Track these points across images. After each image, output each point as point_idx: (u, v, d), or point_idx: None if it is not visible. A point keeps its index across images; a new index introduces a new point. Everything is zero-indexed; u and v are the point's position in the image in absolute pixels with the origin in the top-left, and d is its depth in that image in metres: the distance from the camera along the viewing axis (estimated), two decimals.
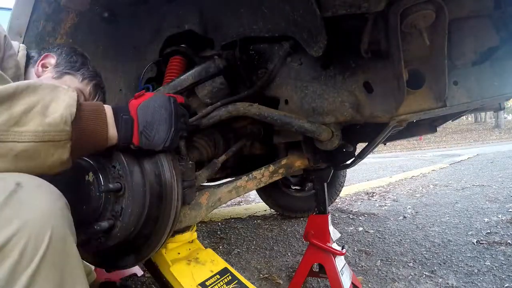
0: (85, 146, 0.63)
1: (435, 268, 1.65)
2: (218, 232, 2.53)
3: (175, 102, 0.75)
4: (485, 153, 8.35)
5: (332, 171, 1.51)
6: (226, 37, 1.21)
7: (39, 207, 0.48)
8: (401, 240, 2.12)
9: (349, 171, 5.47)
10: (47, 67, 0.98)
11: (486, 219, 2.40)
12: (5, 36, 0.82)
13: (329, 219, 1.42)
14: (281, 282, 1.61)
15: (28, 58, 0.96)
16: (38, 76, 0.96)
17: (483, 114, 24.96)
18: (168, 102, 0.74)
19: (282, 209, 2.83)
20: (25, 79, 0.92)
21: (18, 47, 0.92)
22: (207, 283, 0.96)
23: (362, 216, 2.78)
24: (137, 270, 1.72)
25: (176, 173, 0.83)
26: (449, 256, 1.78)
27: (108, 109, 0.69)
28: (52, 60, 0.98)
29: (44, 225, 0.47)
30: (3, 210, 0.45)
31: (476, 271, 1.58)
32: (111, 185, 0.74)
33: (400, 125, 1.15)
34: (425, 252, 1.87)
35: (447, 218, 2.54)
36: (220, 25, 1.22)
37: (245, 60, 1.18)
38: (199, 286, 0.94)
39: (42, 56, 0.98)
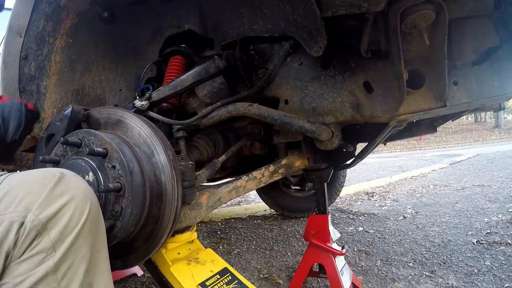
0: None
1: (435, 268, 1.65)
2: (218, 232, 2.53)
3: (25, 106, 0.94)
4: (485, 153, 8.35)
5: (332, 171, 1.51)
6: (226, 37, 1.21)
7: (81, 187, 0.62)
8: (401, 240, 2.12)
9: (349, 171, 5.47)
10: None
11: (486, 219, 2.40)
12: None
13: (329, 219, 1.42)
14: (281, 282, 1.61)
15: None
16: None
17: (483, 114, 24.94)
18: (20, 106, 0.92)
19: (282, 209, 2.83)
20: None
21: None
22: (207, 283, 0.96)
23: (362, 216, 2.78)
24: (137, 270, 1.72)
25: (176, 173, 0.83)
26: (449, 256, 1.78)
27: None
28: None
29: (86, 199, 0.61)
30: (55, 188, 0.58)
31: (476, 271, 1.58)
32: (111, 185, 0.74)
33: (400, 125, 1.15)
34: (425, 252, 1.87)
35: (447, 218, 2.54)
36: (220, 25, 1.22)
37: (245, 60, 1.18)
38: (199, 286, 0.94)
39: None
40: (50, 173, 0.61)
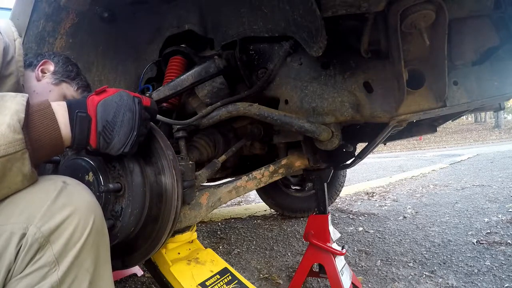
0: (42, 151, 0.57)
1: (435, 268, 1.65)
2: (218, 232, 2.54)
3: (140, 103, 0.68)
4: (485, 153, 8.35)
5: (332, 171, 1.51)
6: (226, 37, 1.21)
7: (84, 198, 0.59)
8: (401, 240, 2.12)
9: (349, 171, 5.47)
10: (46, 73, 1.01)
11: (486, 219, 2.40)
12: (4, 47, 0.77)
13: (329, 219, 1.42)
14: (281, 282, 1.61)
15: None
16: (38, 80, 0.99)
17: (483, 114, 24.95)
18: (133, 103, 0.67)
19: (282, 209, 2.83)
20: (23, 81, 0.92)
21: (15, 46, 0.88)
22: (207, 283, 0.96)
23: (362, 216, 2.78)
24: (137, 270, 1.72)
25: (176, 173, 0.83)
26: (449, 256, 1.78)
27: (60, 106, 0.61)
28: (50, 67, 1.02)
29: (89, 211, 0.58)
30: (57, 200, 0.55)
31: (476, 271, 1.58)
32: (111, 185, 0.74)
33: (400, 125, 1.15)
34: (425, 252, 1.87)
35: (447, 218, 2.54)
36: (220, 25, 1.22)
37: (245, 60, 1.18)
38: (199, 286, 0.94)
39: (41, 62, 1.01)
40: (52, 182, 0.58)
